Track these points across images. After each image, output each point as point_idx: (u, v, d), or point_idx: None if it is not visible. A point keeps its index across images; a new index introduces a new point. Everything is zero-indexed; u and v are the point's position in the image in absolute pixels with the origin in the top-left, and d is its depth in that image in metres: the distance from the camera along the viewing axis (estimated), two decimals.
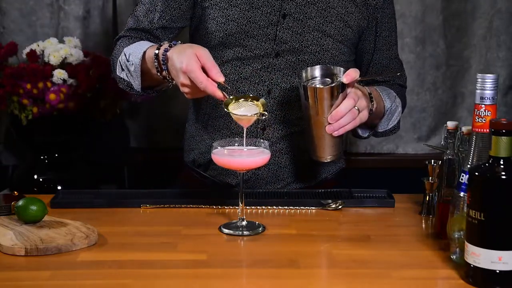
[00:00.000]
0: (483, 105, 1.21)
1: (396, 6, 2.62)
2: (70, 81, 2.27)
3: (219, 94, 1.42)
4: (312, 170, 1.79)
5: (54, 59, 2.27)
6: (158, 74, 1.55)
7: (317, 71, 1.55)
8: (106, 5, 2.59)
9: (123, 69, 1.66)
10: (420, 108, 2.70)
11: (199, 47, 1.47)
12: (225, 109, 1.43)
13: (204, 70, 1.44)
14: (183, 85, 1.46)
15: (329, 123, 1.49)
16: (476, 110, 1.22)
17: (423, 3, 2.62)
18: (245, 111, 1.43)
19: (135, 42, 1.68)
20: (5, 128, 2.56)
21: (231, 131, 1.72)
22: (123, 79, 1.67)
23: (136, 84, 1.64)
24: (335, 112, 1.48)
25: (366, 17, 1.73)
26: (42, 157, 2.37)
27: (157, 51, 1.53)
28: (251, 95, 1.49)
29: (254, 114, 1.42)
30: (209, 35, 1.70)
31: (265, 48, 1.68)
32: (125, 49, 1.66)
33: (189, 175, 1.84)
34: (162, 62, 1.52)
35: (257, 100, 1.45)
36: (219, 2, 1.68)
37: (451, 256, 1.28)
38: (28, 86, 2.23)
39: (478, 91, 1.22)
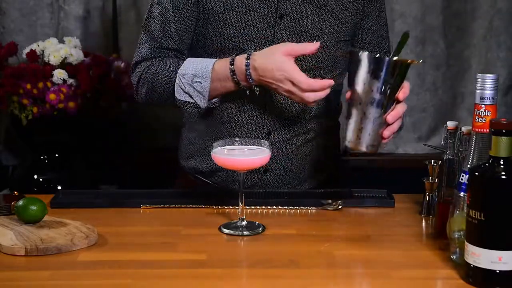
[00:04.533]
0: (483, 105, 1.21)
1: (396, 6, 2.63)
2: (70, 81, 2.27)
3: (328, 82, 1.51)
4: (317, 171, 1.77)
5: (54, 59, 2.27)
6: (238, 85, 1.58)
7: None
8: (106, 5, 2.60)
9: (185, 92, 1.63)
10: (420, 108, 2.70)
11: (278, 47, 1.54)
12: None
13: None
14: (289, 92, 1.52)
15: (387, 123, 1.44)
16: (476, 110, 1.22)
17: (423, 3, 2.62)
18: None
19: (168, 62, 1.65)
20: (5, 128, 2.56)
21: (233, 138, 1.68)
22: (187, 102, 1.63)
23: (203, 102, 1.63)
24: (396, 112, 1.44)
25: (360, 12, 1.71)
26: (42, 157, 2.37)
27: (247, 61, 1.55)
28: None
29: None
30: (206, 40, 1.68)
31: None
32: (179, 71, 1.62)
33: (188, 180, 1.80)
34: (247, 74, 1.55)
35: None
36: (214, 6, 1.65)
37: (451, 256, 1.28)
38: (28, 86, 2.23)
39: (478, 91, 1.22)
